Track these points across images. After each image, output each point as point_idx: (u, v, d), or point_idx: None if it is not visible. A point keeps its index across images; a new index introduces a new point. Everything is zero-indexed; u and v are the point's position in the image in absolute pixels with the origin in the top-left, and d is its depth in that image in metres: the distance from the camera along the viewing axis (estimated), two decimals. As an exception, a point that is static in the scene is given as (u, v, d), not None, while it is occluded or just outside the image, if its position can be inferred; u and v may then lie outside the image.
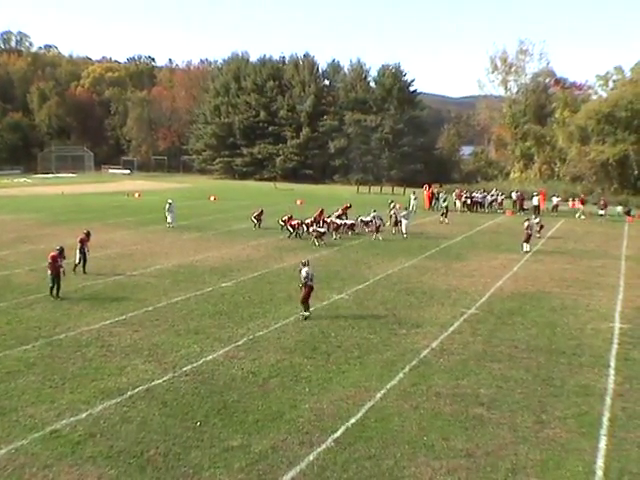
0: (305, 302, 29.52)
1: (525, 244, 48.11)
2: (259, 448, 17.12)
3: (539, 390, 21.72)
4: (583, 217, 73.72)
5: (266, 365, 23.46)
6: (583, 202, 79.16)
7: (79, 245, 38.01)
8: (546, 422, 19.15)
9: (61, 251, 33.97)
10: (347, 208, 61.29)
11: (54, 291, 32.41)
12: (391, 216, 58.60)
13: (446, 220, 66.55)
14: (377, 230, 54.53)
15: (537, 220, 58.34)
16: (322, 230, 51.94)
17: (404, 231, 56.21)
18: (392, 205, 61.45)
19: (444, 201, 73.19)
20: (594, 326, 29.66)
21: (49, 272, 32.61)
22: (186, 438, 17.59)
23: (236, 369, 22.97)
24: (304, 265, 29.64)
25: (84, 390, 20.72)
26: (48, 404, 19.59)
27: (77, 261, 37.89)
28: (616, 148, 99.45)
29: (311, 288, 29.58)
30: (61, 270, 33.00)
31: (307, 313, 29.39)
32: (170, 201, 60.00)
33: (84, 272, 37.67)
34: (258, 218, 58.86)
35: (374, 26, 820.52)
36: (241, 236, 53.48)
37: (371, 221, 55.86)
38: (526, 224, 48.71)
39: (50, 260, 32.80)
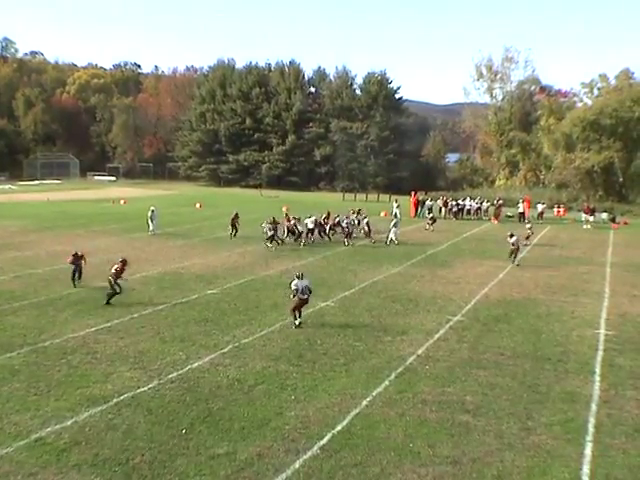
0: (292, 312, 29.43)
1: (513, 258, 46.51)
2: (245, 455, 17.11)
3: (525, 397, 21.76)
4: (588, 227, 73.48)
5: (252, 372, 23.45)
6: (590, 211, 78.86)
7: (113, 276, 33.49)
8: (532, 429, 19.20)
9: (124, 262, 33.94)
10: (328, 216, 60.92)
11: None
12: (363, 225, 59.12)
13: (431, 228, 66.60)
14: (349, 236, 55.42)
15: (529, 226, 58.53)
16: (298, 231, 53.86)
17: (394, 238, 56.25)
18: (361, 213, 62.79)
19: (429, 210, 73.69)
20: (579, 333, 29.76)
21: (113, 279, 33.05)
22: (172, 446, 17.57)
23: (222, 376, 22.96)
24: (297, 277, 29.34)
25: (69, 397, 20.67)
26: (33, 411, 19.54)
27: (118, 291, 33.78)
28: (601, 155, 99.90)
29: (302, 300, 29.36)
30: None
31: (296, 321, 29.26)
32: (153, 209, 59.84)
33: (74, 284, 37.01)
34: (233, 223, 57.65)
35: (360, 34, 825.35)
36: (227, 243, 53.41)
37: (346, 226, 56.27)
38: (513, 239, 46.27)
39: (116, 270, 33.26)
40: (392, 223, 58.26)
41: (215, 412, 19.84)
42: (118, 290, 32.80)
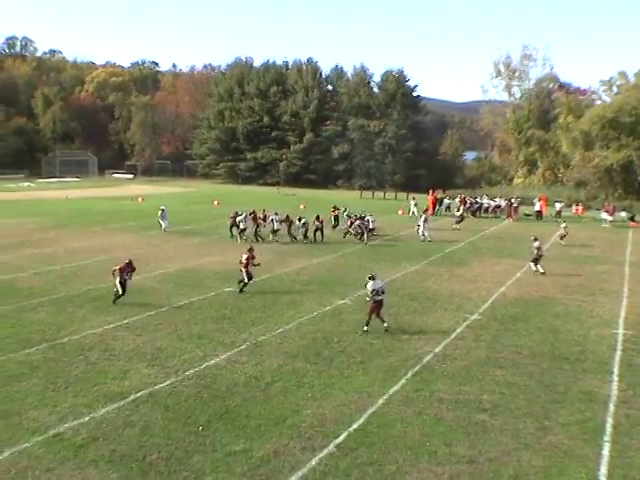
0: (369, 315, 28.45)
1: (532, 264, 43.26)
2: (261, 453, 17.13)
3: (542, 396, 21.70)
4: (607, 225, 73.11)
5: (268, 370, 23.47)
6: (612, 210, 78.60)
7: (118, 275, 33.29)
8: (549, 428, 19.14)
9: (129, 263, 33.59)
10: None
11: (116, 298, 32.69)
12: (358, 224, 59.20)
13: (458, 226, 66.34)
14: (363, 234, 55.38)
15: (564, 225, 58.04)
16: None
17: (426, 235, 57.09)
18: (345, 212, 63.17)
19: (457, 209, 73.73)
20: (598, 332, 29.63)
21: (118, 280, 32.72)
22: (188, 442, 17.60)
23: (239, 374, 22.99)
24: (370, 279, 28.69)
25: (87, 394, 20.75)
26: (51, 407, 19.63)
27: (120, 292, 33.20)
28: (620, 153, 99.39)
29: (377, 303, 28.37)
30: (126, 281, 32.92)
31: (365, 328, 28.28)
32: (162, 208, 60.20)
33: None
34: (234, 224, 56.50)
35: (377, 32, 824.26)
36: (244, 240, 53.39)
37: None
38: (537, 244, 43.45)
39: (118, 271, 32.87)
40: (422, 219, 58.78)
41: (232, 409, 19.87)
42: (121, 292, 32.64)
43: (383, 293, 28.48)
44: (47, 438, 17.70)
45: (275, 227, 54.98)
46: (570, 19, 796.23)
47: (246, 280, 33.84)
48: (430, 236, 56.68)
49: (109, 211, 76.90)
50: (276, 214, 56.03)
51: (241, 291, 33.24)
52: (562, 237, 56.22)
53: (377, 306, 28.10)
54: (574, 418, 19.97)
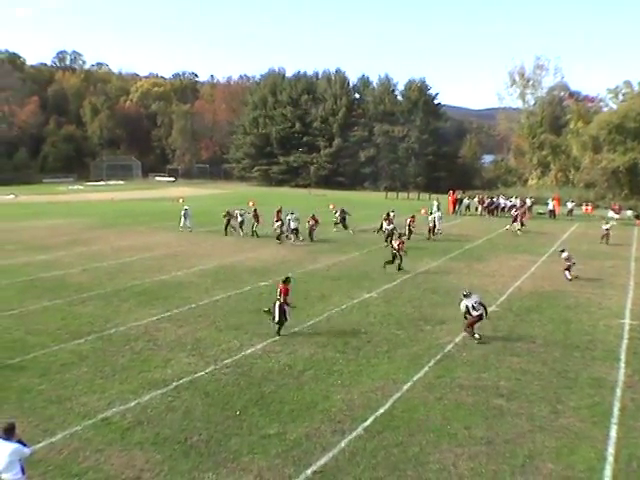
0: (468, 327, 26.66)
1: (567, 272, 39.72)
2: (294, 436, 17.20)
3: (555, 382, 21.66)
4: (614, 223, 72.48)
5: (301, 359, 23.53)
6: (619, 210, 78.32)
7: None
8: (561, 412, 19.12)
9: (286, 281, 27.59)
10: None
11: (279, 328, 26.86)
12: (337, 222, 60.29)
13: (517, 229, 63.27)
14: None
15: (608, 226, 56.93)
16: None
17: (439, 228, 57.84)
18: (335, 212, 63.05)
19: (512, 208, 73.87)
20: (606, 322, 29.54)
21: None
22: (227, 426, 17.69)
23: (273, 362, 23.06)
24: (465, 296, 26.94)
25: (132, 381, 20.88)
26: (99, 394, 19.77)
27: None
28: (626, 156, 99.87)
29: (476, 317, 26.37)
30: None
31: (476, 335, 26.30)
32: (186, 207, 60.65)
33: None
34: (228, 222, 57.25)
35: (401, 44, 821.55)
36: (287, 239, 53.42)
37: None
38: (565, 255, 39.84)
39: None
40: (438, 217, 59.23)
41: (267, 395, 19.93)
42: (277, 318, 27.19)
43: (484, 307, 26.61)
44: (96, 422, 17.83)
45: (292, 226, 54.45)
46: (579, 31, 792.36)
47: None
48: (441, 231, 57.79)
49: (152, 211, 77.25)
50: (292, 213, 55.81)
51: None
52: (604, 237, 55.70)
53: (476, 320, 26.44)
54: (584, 402, 19.94)
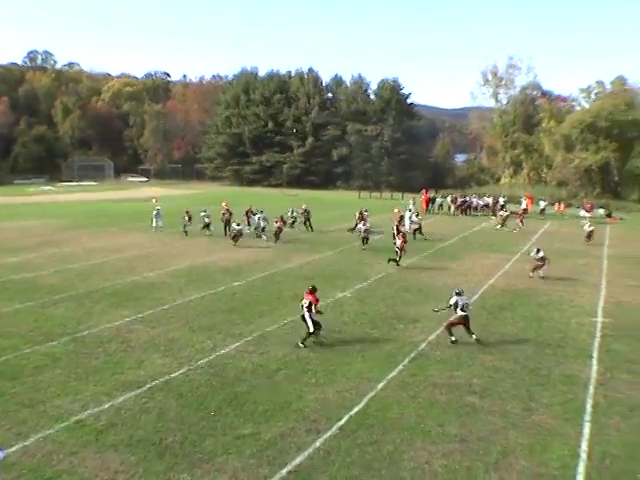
0: (448, 328, 26.26)
1: (535, 271, 39.49)
2: (268, 435, 17.25)
3: (527, 380, 21.84)
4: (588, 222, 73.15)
5: (274, 358, 23.57)
6: (590, 208, 79.23)
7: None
8: (534, 409, 19.28)
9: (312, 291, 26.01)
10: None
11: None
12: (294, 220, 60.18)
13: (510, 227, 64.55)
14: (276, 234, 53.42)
15: (588, 226, 57.11)
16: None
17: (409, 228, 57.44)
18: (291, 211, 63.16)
19: (448, 207, 74.25)
20: (578, 320, 29.79)
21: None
22: (201, 427, 17.71)
23: (246, 362, 23.08)
24: (457, 294, 26.45)
25: (106, 383, 20.84)
26: (73, 396, 19.72)
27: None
28: (598, 155, 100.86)
29: (462, 317, 26.10)
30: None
31: (452, 338, 25.97)
32: (158, 207, 60.62)
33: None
34: (227, 219, 56.93)
35: (374, 44, 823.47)
36: (250, 238, 53.35)
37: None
38: (540, 255, 39.18)
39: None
40: (408, 216, 59.87)
41: (241, 396, 19.96)
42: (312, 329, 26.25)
43: (468, 308, 26.39)
44: (70, 424, 17.79)
45: (262, 225, 54.87)
46: (552, 32, 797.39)
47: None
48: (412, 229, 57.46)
49: (124, 212, 76.91)
50: (261, 212, 56.17)
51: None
52: (589, 236, 55.62)
53: (463, 321, 26.17)
54: (557, 399, 20.12)
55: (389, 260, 42.56)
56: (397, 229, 51.23)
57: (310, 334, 25.27)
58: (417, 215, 59.06)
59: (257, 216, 55.50)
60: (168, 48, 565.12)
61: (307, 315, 25.32)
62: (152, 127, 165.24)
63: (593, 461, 16.31)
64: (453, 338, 25.82)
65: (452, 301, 26.20)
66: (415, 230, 56.02)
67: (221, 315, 29.51)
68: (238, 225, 52.12)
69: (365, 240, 49.76)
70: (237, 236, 50.34)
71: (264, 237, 53.40)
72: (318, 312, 25.67)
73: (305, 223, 60.49)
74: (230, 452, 16.35)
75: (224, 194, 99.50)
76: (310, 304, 25.29)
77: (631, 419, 18.82)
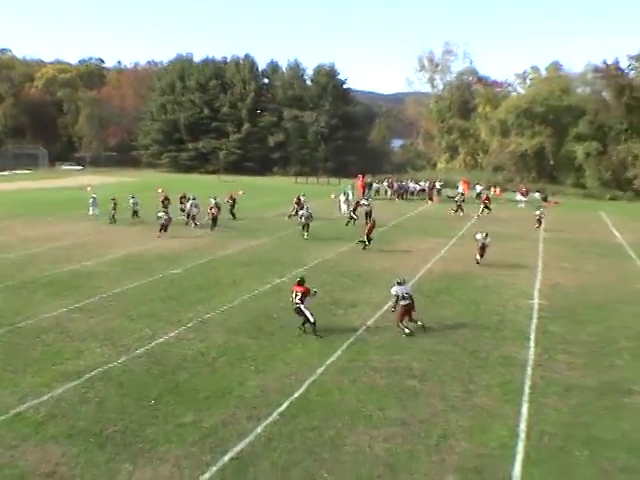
0: (399, 322, 25.90)
1: (478, 256, 39.14)
2: (210, 423, 17.22)
3: (466, 362, 22.09)
4: (522, 206, 73.80)
5: (214, 345, 23.53)
6: (525, 193, 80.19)
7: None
8: (473, 391, 19.52)
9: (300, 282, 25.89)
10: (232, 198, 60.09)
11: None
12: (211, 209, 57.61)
13: (460, 213, 64.84)
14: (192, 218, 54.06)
15: (540, 212, 56.91)
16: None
17: (345, 211, 58.58)
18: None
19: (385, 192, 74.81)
20: (515, 303, 30.22)
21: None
22: (142, 416, 17.62)
23: (186, 350, 23.01)
24: (398, 284, 26.32)
25: (45, 374, 20.60)
26: (11, 388, 19.46)
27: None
28: (533, 140, 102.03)
29: (405, 307, 25.77)
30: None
31: (406, 330, 25.53)
32: (94, 195, 60.19)
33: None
34: (165, 205, 57.03)
35: (311, 29, 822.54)
36: (187, 226, 53.16)
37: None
38: (479, 236, 39.54)
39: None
40: (343, 200, 61.49)
41: (181, 383, 19.91)
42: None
43: (409, 297, 25.94)
44: (8, 418, 17.56)
45: (193, 212, 54.36)
46: (488, 18, 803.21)
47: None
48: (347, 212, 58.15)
49: (59, 201, 75.74)
50: (194, 199, 55.83)
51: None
52: (539, 221, 55.64)
53: (406, 311, 25.85)
54: (495, 381, 20.40)
55: (358, 241, 44.51)
56: (354, 212, 51.84)
57: (314, 323, 25.11)
58: (368, 200, 59.15)
59: (189, 202, 55.12)
60: (102, 34, 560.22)
61: (303, 307, 25.22)
62: (87, 114, 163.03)
63: (532, 440, 16.57)
64: (407, 330, 25.56)
65: (393, 292, 26.14)
66: (352, 213, 56.01)
67: (159, 303, 29.37)
68: (165, 214, 50.40)
69: (306, 227, 48.82)
70: (165, 225, 48.80)
71: (192, 224, 53.24)
72: (313, 294, 25.75)
73: (230, 211, 59.29)
74: (172, 441, 16.30)
75: (161, 181, 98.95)
76: (303, 295, 25.23)
77: (568, 399, 19.18)
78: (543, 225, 55.48)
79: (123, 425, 17.08)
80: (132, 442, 16.22)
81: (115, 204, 55.54)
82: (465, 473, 15.01)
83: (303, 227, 48.97)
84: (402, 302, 25.75)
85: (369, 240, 44.15)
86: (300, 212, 51.63)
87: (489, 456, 15.81)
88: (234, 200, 60.51)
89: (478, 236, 39.52)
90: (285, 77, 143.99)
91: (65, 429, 16.88)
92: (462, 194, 70.91)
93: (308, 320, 25.17)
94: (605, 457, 15.84)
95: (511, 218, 61.73)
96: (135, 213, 55.92)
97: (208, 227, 51.72)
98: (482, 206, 64.81)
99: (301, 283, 25.69)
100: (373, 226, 45.33)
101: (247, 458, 15.51)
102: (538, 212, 56.89)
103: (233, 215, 59.00)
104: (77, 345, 23.49)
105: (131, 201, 56.50)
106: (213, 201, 55.68)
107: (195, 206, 54.48)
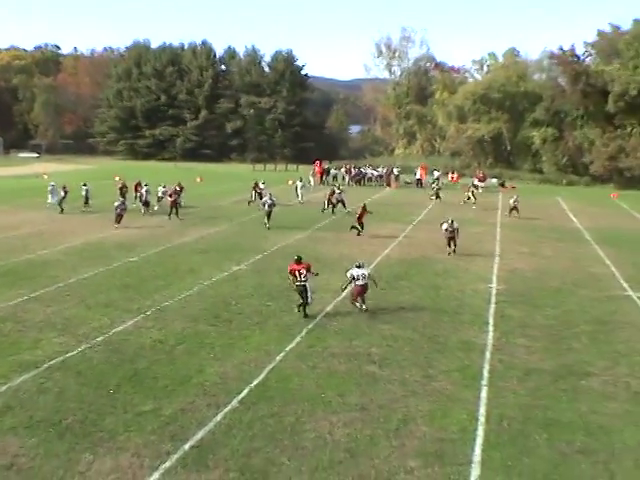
0: (354, 301, 26.61)
1: (448, 247, 38.17)
2: (169, 411, 17.13)
3: (425, 347, 22.17)
4: (480, 191, 74.05)
5: (172, 333, 23.42)
6: (483, 178, 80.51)
7: None
8: (433, 376, 19.59)
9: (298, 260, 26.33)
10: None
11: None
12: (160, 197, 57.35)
13: (438, 200, 64.64)
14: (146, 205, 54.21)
15: (514, 200, 54.97)
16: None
17: (301, 199, 59.35)
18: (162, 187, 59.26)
19: (343, 178, 74.98)
20: (474, 287, 30.40)
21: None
22: (101, 405, 17.48)
23: (144, 338, 22.88)
24: (357, 267, 26.63)
25: (2, 364, 20.33)
26: (-32, 379, 19.26)
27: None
28: (490, 126, 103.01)
29: (361, 287, 26.31)
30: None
31: (363, 307, 26.23)
32: (53, 183, 59.33)
33: None
34: (122, 193, 57.27)
35: (268, 15, 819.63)
36: (142, 213, 52.86)
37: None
38: (445, 226, 38.52)
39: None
40: (300, 186, 61.50)
41: (140, 372, 19.78)
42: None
43: (365, 277, 26.33)
44: (-35, 408, 17.41)
45: (146, 199, 54.13)
46: (446, 3, 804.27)
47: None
48: (303, 201, 59.24)
49: (15, 189, 75.11)
50: (146, 185, 55.76)
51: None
52: (513, 210, 54.09)
53: (362, 290, 26.39)
54: (455, 365, 20.49)
55: (351, 228, 44.87)
56: (329, 201, 51.83)
57: (307, 304, 25.59)
58: (339, 188, 58.78)
59: (144, 189, 54.71)
60: (58, 20, 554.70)
61: (309, 286, 25.57)
62: (42, 101, 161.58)
63: (491, 424, 16.66)
64: (364, 307, 26.05)
65: (348, 275, 26.41)
66: (330, 204, 55.61)
67: (117, 291, 29.16)
68: (122, 203, 48.79)
69: (268, 215, 47.18)
70: (120, 215, 47.06)
71: (145, 211, 53.38)
72: (315, 274, 26.67)
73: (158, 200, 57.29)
74: (131, 429, 16.19)
75: (117, 169, 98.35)
76: (307, 272, 25.59)
77: (526, 382, 19.31)
78: (519, 213, 54.02)
79: (82, 415, 16.95)
80: (91, 432, 16.09)
81: (66, 192, 54.95)
82: (426, 457, 15.06)
83: (267, 216, 47.18)
84: (358, 282, 26.10)
85: (361, 226, 44.45)
86: (263, 199, 50.52)
87: (449, 440, 15.87)
88: (182, 189, 59.53)
89: (444, 226, 38.72)
90: (242, 63, 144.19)
91: (24, 420, 16.70)
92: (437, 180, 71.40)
93: (306, 299, 25.45)
94: (563, 439, 15.97)
95: (469, 203, 61.92)
96: (86, 201, 55.32)
97: (164, 215, 51.31)
98: (468, 194, 64.19)
99: (300, 261, 25.95)
100: (364, 211, 45.32)
101: (207, 446, 15.46)
102: (512, 200, 55.19)
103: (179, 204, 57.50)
104: (34, 335, 23.25)
105: (83, 189, 55.93)
106: (161, 189, 55.59)
107: (147, 192, 54.16)
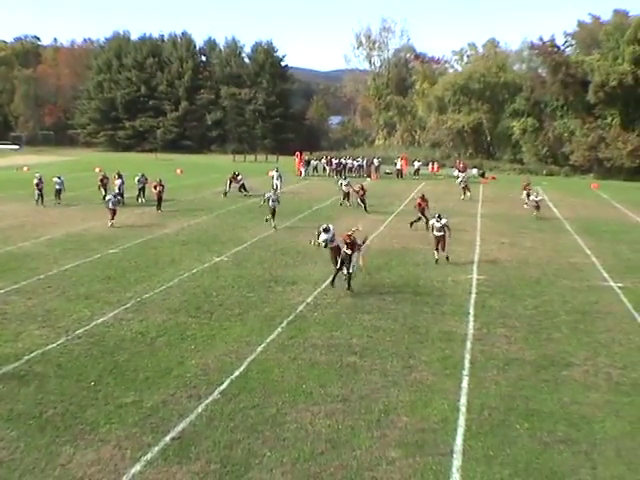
0: (335, 265, 27.53)
1: (436, 252, 33.90)
2: (150, 403, 17.07)
3: (406, 338, 22.16)
4: (460, 181, 74.05)
5: (153, 325, 23.34)
6: (464, 169, 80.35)
7: None
8: (414, 366, 19.58)
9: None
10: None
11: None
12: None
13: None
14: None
15: (539, 198, 51.47)
16: None
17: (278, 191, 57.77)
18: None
19: (323, 169, 74.99)
20: (454, 278, 30.40)
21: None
22: (82, 398, 17.39)
23: (125, 330, 22.79)
24: (324, 231, 27.91)
25: (-19, 357, 20.29)
26: (-54, 371, 19.14)
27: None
28: (470, 117, 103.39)
29: (336, 249, 27.87)
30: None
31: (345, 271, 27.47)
32: (38, 175, 58.90)
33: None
34: (104, 184, 56.24)
35: (248, 5, 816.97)
36: (126, 205, 52.58)
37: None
38: (435, 223, 34.37)
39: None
40: (277, 176, 62.50)
41: (121, 364, 19.70)
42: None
43: (332, 241, 28.15)
44: (-56, 400, 17.29)
45: (120, 190, 53.58)
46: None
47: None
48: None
49: (-5, 181, 74.82)
50: (120, 176, 55.42)
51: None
52: (537, 208, 50.24)
53: (337, 252, 27.71)
54: (436, 356, 20.50)
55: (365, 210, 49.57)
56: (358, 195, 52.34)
57: (349, 274, 27.42)
58: (345, 179, 58.44)
59: (117, 181, 54.38)
60: (38, 11, 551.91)
61: (356, 255, 27.59)
62: (22, 93, 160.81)
63: (472, 414, 16.67)
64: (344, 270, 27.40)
65: (321, 239, 28.05)
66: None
67: (98, 283, 29.03)
68: (114, 197, 46.49)
69: (273, 213, 43.20)
70: (114, 210, 44.86)
71: (122, 202, 52.71)
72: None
73: (139, 192, 56.48)
74: (113, 422, 16.12)
75: (98, 160, 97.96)
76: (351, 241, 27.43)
77: (508, 372, 19.34)
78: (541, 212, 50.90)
79: (63, 407, 16.86)
80: (73, 424, 16.01)
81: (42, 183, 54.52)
82: (407, 447, 15.06)
83: (272, 215, 43.19)
84: (332, 244, 28.01)
85: (364, 205, 49.64)
86: (266, 195, 45.08)
87: (431, 430, 15.88)
88: (146, 179, 57.40)
89: (431, 221, 35.83)
90: (223, 54, 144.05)
91: (4, 413, 16.59)
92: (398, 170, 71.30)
93: (349, 270, 27.12)
94: (545, 429, 16.00)
95: (449, 194, 62.03)
96: (57, 193, 54.77)
97: (149, 206, 51.18)
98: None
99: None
100: (364, 192, 50.75)
101: (189, 438, 15.41)
102: (533, 197, 51.67)
103: (139, 196, 56.57)
104: (15, 327, 23.11)
105: (56, 181, 55.30)
106: (137, 178, 55.34)
107: (122, 183, 54.01)
